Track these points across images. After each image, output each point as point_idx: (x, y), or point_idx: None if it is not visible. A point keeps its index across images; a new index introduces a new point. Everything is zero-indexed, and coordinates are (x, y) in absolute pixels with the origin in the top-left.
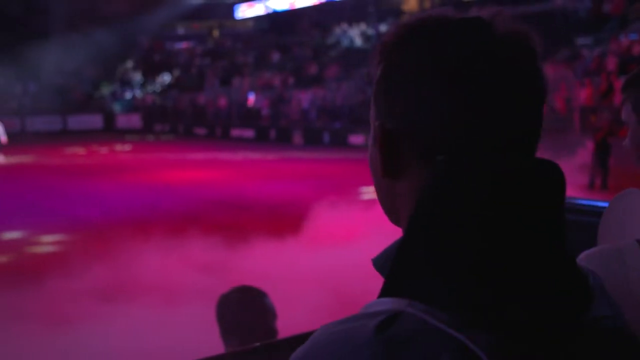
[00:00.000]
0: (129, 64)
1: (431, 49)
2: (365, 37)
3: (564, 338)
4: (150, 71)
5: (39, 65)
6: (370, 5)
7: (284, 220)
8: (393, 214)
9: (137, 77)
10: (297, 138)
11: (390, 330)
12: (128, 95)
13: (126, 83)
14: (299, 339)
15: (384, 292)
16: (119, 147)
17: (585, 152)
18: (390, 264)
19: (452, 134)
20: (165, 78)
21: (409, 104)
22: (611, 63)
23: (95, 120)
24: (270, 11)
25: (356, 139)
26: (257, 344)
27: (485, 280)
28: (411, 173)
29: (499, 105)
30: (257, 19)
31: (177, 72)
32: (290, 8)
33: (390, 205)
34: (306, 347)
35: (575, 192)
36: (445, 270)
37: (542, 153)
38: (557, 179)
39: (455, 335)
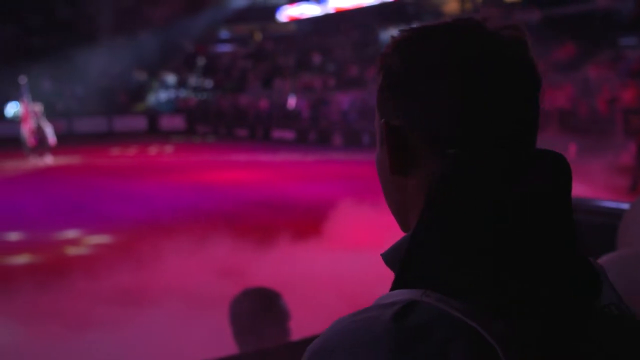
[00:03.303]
0: (174, 66)
1: (427, 50)
2: None
3: (575, 324)
4: (194, 74)
5: (85, 68)
6: (410, 7)
7: (319, 222)
8: (402, 214)
9: (181, 79)
10: (337, 139)
11: (407, 319)
12: (172, 97)
13: (170, 85)
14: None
15: (398, 284)
16: (162, 148)
17: (627, 155)
18: (402, 256)
19: (456, 127)
20: (208, 80)
21: (412, 101)
22: None
23: (139, 122)
24: (331, 11)
25: None
26: (271, 345)
27: (497, 268)
28: (419, 169)
29: (497, 97)
30: (299, 21)
31: (219, 75)
32: (357, 7)
33: (399, 204)
34: (323, 339)
35: (617, 194)
36: (458, 259)
37: (584, 154)
38: (563, 168)
39: (470, 323)
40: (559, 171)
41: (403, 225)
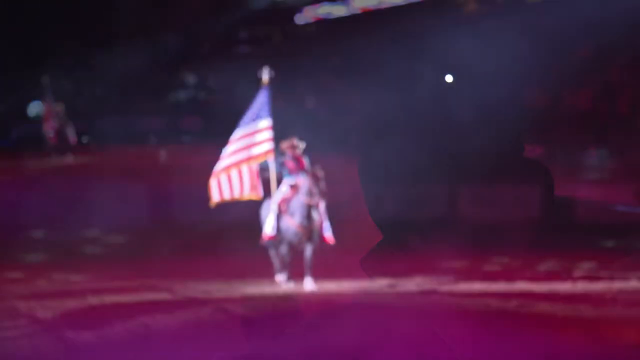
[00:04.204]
0: (191, 67)
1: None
2: None
3: None
4: (212, 74)
5: (106, 69)
6: (431, 7)
7: (340, 226)
8: None
9: (199, 80)
10: (354, 141)
11: None
12: (190, 97)
13: (190, 86)
14: None
15: None
16: (181, 148)
17: None
18: None
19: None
20: (227, 81)
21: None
22: None
23: (159, 122)
24: (357, 11)
25: None
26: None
27: None
28: None
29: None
30: (317, 23)
31: (238, 75)
32: (382, 7)
33: None
34: None
35: (636, 198)
36: None
37: (604, 157)
38: (544, 178)
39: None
40: (541, 176)
41: None
